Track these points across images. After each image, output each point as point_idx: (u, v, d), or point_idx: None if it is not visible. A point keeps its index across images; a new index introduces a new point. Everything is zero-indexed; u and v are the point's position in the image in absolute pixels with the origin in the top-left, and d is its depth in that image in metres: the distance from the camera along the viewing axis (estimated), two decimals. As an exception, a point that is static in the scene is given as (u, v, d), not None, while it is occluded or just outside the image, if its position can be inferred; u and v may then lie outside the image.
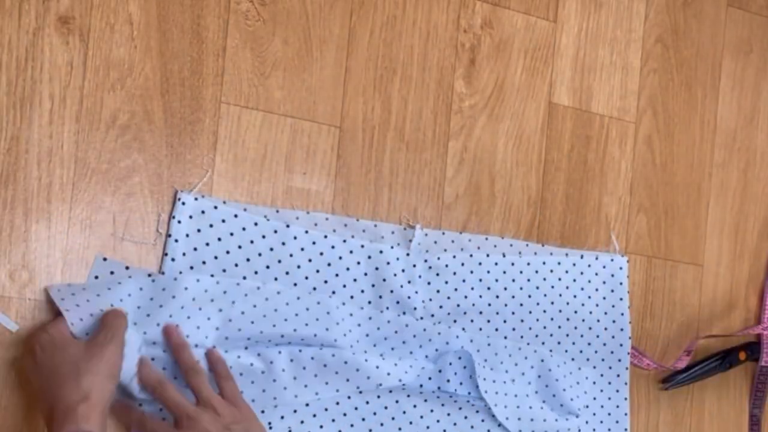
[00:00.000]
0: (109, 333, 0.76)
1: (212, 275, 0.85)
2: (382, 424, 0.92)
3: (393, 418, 0.93)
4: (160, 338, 0.81)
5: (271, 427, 0.87)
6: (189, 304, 0.83)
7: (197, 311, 0.83)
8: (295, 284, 0.88)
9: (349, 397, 0.91)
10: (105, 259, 0.81)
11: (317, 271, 0.90)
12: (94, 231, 0.82)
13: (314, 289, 0.89)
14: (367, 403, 0.92)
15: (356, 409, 0.91)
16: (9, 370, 0.78)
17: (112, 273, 0.81)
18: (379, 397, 0.92)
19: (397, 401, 0.93)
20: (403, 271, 0.94)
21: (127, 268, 0.82)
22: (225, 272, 0.85)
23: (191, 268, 0.84)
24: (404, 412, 0.93)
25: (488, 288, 0.99)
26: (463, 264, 0.97)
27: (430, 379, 0.94)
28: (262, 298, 0.86)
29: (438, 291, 0.96)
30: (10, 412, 0.79)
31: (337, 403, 0.90)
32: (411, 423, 0.94)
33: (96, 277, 0.81)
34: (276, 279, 0.88)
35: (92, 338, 0.76)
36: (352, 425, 0.91)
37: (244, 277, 0.86)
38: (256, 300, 0.86)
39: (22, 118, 0.80)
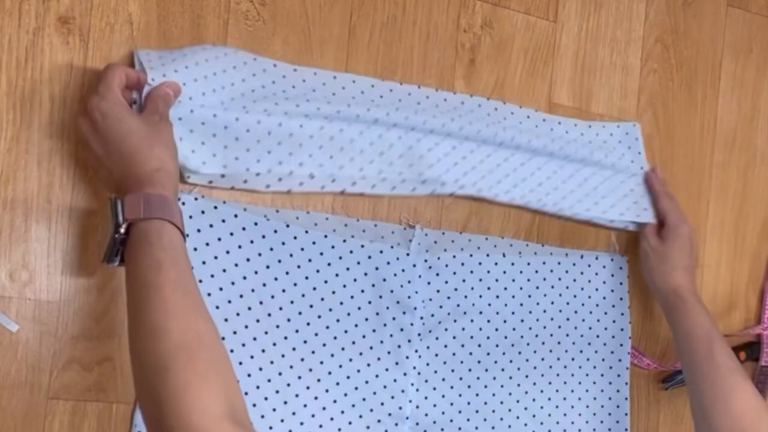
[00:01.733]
0: (162, 109, 0.77)
1: (212, 275, 0.85)
2: (375, 417, 0.92)
3: (382, 403, 0.93)
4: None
5: (271, 428, 0.87)
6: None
7: None
8: (295, 284, 0.89)
9: (348, 377, 0.91)
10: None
11: (317, 271, 0.90)
12: (94, 231, 0.82)
13: (314, 289, 0.89)
14: (356, 389, 0.92)
15: (356, 389, 0.91)
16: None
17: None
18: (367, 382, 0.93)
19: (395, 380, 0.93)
20: (403, 271, 0.94)
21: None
22: (225, 272, 0.85)
23: (191, 268, 0.84)
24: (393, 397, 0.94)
25: (488, 288, 0.99)
26: (463, 264, 0.97)
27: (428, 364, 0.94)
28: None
29: (438, 291, 0.96)
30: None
31: (326, 391, 0.90)
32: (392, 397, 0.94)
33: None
34: (276, 279, 0.88)
35: (148, 113, 0.76)
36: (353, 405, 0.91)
37: (245, 278, 0.86)
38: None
39: (22, 118, 0.80)
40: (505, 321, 1.00)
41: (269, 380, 0.87)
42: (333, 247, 0.91)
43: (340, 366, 0.90)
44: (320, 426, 0.89)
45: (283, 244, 0.88)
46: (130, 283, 0.69)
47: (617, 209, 1.03)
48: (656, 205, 1.05)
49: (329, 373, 0.90)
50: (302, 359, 0.89)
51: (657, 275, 1.01)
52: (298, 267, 0.89)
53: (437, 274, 0.96)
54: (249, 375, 0.86)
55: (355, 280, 0.92)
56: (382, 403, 0.93)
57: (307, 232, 0.90)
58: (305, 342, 0.89)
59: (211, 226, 0.85)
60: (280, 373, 0.87)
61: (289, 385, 0.88)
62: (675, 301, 0.98)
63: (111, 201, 0.71)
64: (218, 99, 0.83)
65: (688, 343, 0.95)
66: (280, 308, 0.88)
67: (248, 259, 0.87)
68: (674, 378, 1.09)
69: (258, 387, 0.86)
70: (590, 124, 1.06)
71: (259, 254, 0.87)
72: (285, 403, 0.88)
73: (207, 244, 0.85)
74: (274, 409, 0.87)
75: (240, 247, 0.86)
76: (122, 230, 0.70)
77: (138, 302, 0.67)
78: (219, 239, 0.86)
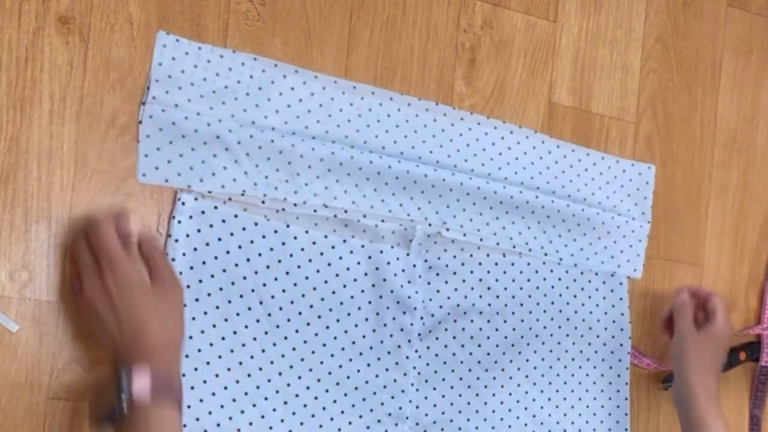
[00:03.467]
0: (171, 274, 0.78)
1: (212, 276, 0.85)
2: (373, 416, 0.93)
3: (367, 403, 0.93)
4: None
5: (271, 428, 0.87)
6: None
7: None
8: (295, 284, 0.89)
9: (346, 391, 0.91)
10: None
11: (317, 271, 0.90)
12: (94, 231, 0.82)
13: (314, 289, 0.89)
14: (356, 389, 0.92)
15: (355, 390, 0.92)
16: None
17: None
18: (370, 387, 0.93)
19: (394, 380, 0.93)
20: (403, 271, 0.94)
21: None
22: (225, 272, 0.85)
23: (191, 268, 0.84)
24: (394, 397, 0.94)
25: (488, 288, 0.99)
26: (463, 264, 0.97)
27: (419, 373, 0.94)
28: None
29: (438, 291, 0.96)
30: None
31: (326, 391, 0.90)
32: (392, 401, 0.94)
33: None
34: (276, 279, 0.88)
35: (157, 282, 0.77)
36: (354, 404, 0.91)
37: (245, 278, 0.86)
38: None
39: (22, 118, 0.80)
40: (505, 321, 1.00)
41: (269, 380, 0.87)
42: (333, 247, 0.91)
43: (340, 366, 0.91)
44: (320, 426, 0.89)
45: (283, 244, 0.88)
46: None
47: (600, 257, 1.05)
48: (710, 298, 1.02)
49: (329, 373, 0.90)
50: (302, 359, 0.89)
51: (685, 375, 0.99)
52: (298, 267, 0.89)
53: (437, 274, 0.96)
54: (249, 375, 0.86)
55: (355, 280, 0.92)
56: (382, 403, 0.93)
57: (307, 232, 0.90)
58: (305, 342, 0.89)
59: (211, 226, 0.85)
60: (280, 373, 0.87)
61: (289, 385, 0.88)
62: (699, 418, 0.96)
63: (117, 372, 0.72)
64: (228, 113, 0.86)
65: None
66: (280, 308, 0.88)
67: (248, 259, 0.87)
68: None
69: (258, 387, 0.86)
70: (603, 156, 1.06)
71: (259, 254, 0.87)
72: (285, 403, 0.88)
73: (207, 244, 0.85)
74: (274, 409, 0.87)
75: (240, 247, 0.86)
76: (125, 407, 0.71)
77: None
78: (219, 239, 0.86)
